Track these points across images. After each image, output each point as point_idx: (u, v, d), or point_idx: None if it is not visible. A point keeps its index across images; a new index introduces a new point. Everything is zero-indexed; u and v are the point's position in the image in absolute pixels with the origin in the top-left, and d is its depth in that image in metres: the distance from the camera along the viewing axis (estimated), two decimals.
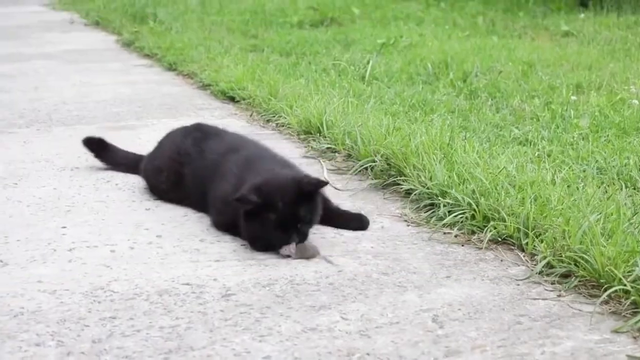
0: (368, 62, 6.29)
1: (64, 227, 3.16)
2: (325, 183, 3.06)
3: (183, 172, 3.41)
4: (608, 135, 4.26)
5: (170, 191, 3.46)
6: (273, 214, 2.89)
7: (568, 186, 3.28)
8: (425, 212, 3.27)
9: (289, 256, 2.88)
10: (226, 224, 3.11)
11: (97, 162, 4.00)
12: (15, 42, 8.93)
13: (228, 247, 2.95)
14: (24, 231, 3.11)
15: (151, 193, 3.56)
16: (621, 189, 3.32)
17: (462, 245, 2.98)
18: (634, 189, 3.39)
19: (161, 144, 3.64)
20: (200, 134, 3.56)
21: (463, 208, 3.12)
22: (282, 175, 3.06)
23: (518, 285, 2.63)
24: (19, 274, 2.71)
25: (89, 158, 4.06)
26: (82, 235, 3.07)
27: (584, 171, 3.61)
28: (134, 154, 3.93)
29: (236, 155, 3.28)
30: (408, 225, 3.19)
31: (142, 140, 4.46)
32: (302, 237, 2.93)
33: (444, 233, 3.09)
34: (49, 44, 8.81)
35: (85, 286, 2.61)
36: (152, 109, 5.43)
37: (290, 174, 3.10)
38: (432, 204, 3.29)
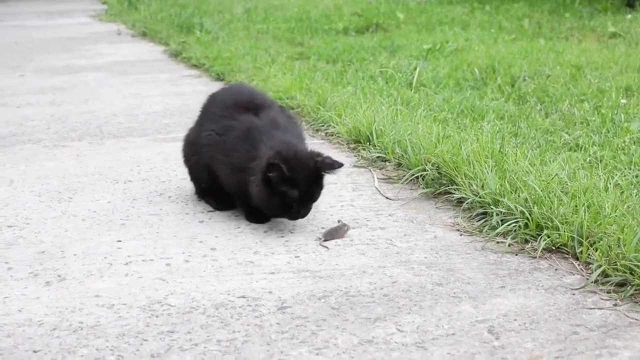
0: (415, 69, 6.27)
1: (119, 241, 3.19)
2: (340, 164, 3.20)
3: None
4: None
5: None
6: (296, 190, 3.10)
7: (621, 192, 3.26)
8: (477, 221, 3.27)
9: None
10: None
11: (150, 175, 4.08)
12: (67, 55, 9.04)
13: (282, 259, 2.97)
14: (80, 245, 3.15)
15: (194, 192, 3.68)
16: None
17: (516, 255, 2.97)
18: None
19: None
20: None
21: (516, 217, 3.12)
22: (304, 152, 3.23)
23: (573, 294, 2.62)
24: (76, 288, 2.74)
25: (141, 170, 4.14)
26: (138, 248, 3.11)
27: (637, 177, 3.58)
28: None
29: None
30: (461, 235, 3.19)
31: None
32: (307, 213, 3.22)
33: (497, 242, 3.08)
34: (98, 56, 8.91)
35: (142, 300, 2.64)
36: None
37: (309, 152, 3.26)
38: (484, 213, 3.29)
